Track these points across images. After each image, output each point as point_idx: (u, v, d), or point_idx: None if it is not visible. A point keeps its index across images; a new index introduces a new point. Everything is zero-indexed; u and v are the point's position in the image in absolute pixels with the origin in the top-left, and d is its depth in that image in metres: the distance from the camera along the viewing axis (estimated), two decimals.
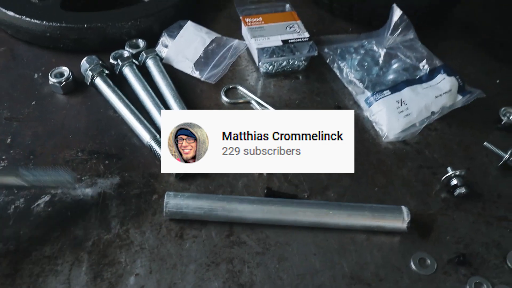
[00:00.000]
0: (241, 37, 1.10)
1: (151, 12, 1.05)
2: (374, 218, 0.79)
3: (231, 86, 1.01)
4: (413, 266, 0.77)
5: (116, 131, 0.91)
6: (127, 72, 0.97)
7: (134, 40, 1.04)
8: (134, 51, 1.02)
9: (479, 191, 0.88)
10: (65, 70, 0.97)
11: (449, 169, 0.86)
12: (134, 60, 0.99)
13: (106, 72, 0.96)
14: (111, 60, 0.99)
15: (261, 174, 0.86)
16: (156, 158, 0.86)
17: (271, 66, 1.02)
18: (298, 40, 1.03)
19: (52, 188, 0.82)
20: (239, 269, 0.75)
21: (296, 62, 1.03)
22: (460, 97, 0.99)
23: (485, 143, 0.93)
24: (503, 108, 1.00)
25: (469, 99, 0.99)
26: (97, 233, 0.77)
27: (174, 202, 0.78)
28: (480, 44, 1.19)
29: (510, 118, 0.99)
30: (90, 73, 0.95)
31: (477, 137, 0.97)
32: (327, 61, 1.07)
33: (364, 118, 0.98)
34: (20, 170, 0.74)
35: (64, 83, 0.95)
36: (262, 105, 0.97)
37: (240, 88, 1.00)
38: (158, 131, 0.89)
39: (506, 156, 0.90)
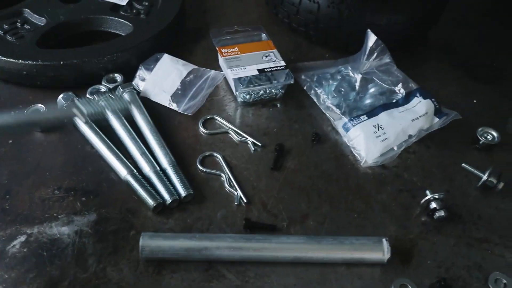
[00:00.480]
0: (218, 68, 1.11)
1: (128, 47, 1.06)
2: (354, 253, 0.79)
3: (208, 117, 1.01)
4: None
5: (93, 167, 0.91)
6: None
7: (111, 75, 1.04)
8: (111, 86, 1.02)
9: (459, 213, 0.88)
10: (41, 107, 0.97)
11: (427, 192, 0.86)
12: (111, 95, 0.99)
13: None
14: (88, 96, 1.00)
15: (239, 204, 0.86)
16: (134, 193, 0.86)
17: (248, 96, 1.03)
18: (274, 68, 1.03)
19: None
20: None
21: (273, 91, 1.04)
22: (436, 119, 1.00)
23: (463, 164, 0.93)
24: (480, 129, 1.00)
25: (445, 121, 0.99)
26: (74, 272, 0.76)
27: (149, 247, 0.77)
28: (457, 65, 1.21)
29: (488, 138, 0.99)
30: None
31: (455, 158, 0.97)
32: (304, 88, 1.07)
33: (343, 144, 0.98)
34: (76, 103, 0.79)
35: None
36: (240, 135, 0.97)
37: (218, 118, 1.00)
38: (135, 166, 0.89)
39: (485, 177, 0.90)
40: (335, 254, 0.78)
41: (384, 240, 0.79)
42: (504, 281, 0.78)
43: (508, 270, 0.80)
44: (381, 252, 0.77)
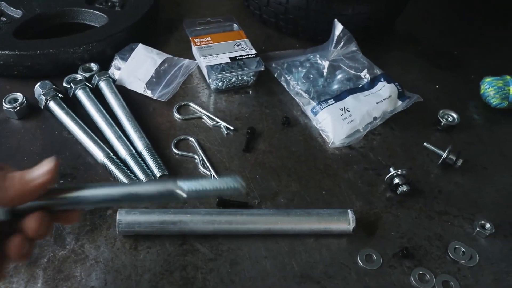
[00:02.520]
0: (192, 57, 1.14)
1: (103, 37, 1.08)
2: (321, 223, 0.83)
3: (183, 103, 1.04)
4: (360, 262, 0.81)
5: (70, 151, 0.94)
6: (80, 94, 1.00)
7: (87, 64, 1.07)
8: (87, 75, 1.05)
9: (420, 188, 0.93)
10: (19, 95, 0.99)
11: (391, 169, 0.91)
12: (87, 83, 1.02)
13: (60, 95, 0.99)
14: (65, 84, 1.02)
15: None
16: (111, 175, 0.89)
17: (221, 82, 1.07)
18: (245, 56, 1.07)
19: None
20: (192, 275, 0.77)
21: (245, 78, 1.08)
22: (400, 102, 1.05)
23: (424, 143, 0.99)
24: (441, 111, 1.06)
25: (408, 103, 1.04)
26: (52, 250, 0.79)
27: (126, 221, 0.80)
28: (419, 53, 1.27)
29: (449, 119, 1.05)
30: (43, 98, 0.98)
31: (418, 139, 1.02)
32: (275, 75, 1.12)
33: (312, 127, 1.03)
34: (178, 184, 0.64)
35: (18, 108, 0.97)
36: (213, 119, 1.01)
37: (192, 104, 1.04)
38: (112, 149, 0.92)
39: (444, 155, 0.95)
40: (303, 225, 0.82)
41: (349, 210, 0.83)
42: (463, 249, 0.83)
43: (466, 239, 0.85)
44: (347, 221, 0.82)
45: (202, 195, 0.63)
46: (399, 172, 0.90)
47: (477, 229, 0.86)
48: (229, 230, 0.81)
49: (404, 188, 0.89)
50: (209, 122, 1.01)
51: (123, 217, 0.80)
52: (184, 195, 0.61)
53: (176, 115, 1.02)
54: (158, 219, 0.80)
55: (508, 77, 1.08)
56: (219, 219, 0.81)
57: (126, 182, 0.86)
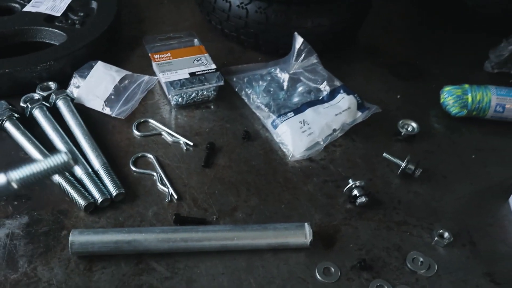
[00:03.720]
0: (153, 74, 1.14)
1: (62, 55, 1.08)
2: (278, 238, 0.82)
3: (142, 120, 1.04)
4: (318, 276, 0.80)
5: None
6: (37, 114, 0.99)
7: (45, 83, 1.06)
8: (45, 94, 1.04)
9: (380, 199, 0.93)
10: None
11: (350, 180, 0.91)
12: (44, 102, 1.01)
13: (16, 116, 0.98)
14: (22, 104, 1.01)
15: (171, 201, 0.89)
16: (66, 195, 0.88)
17: (180, 98, 1.06)
18: (205, 72, 1.07)
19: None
20: None
21: (205, 93, 1.08)
22: (359, 113, 1.05)
23: (384, 154, 0.99)
24: (401, 121, 1.07)
25: (367, 114, 1.05)
26: (4, 273, 0.77)
27: (79, 241, 0.79)
28: (381, 64, 1.28)
29: (408, 129, 1.06)
30: None
31: (379, 150, 1.02)
32: (236, 89, 1.12)
33: (272, 141, 1.03)
34: (8, 176, 0.66)
35: None
36: (172, 135, 1.00)
37: (151, 121, 1.03)
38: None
39: (403, 165, 0.96)
40: (260, 240, 0.82)
41: (306, 224, 0.83)
42: (421, 259, 0.83)
43: (425, 249, 0.85)
44: (303, 235, 0.82)
45: (33, 180, 0.66)
46: (357, 184, 0.90)
47: (436, 238, 0.86)
48: (184, 247, 0.81)
49: (363, 199, 0.89)
50: (169, 138, 1.00)
51: (76, 237, 0.78)
52: (15, 186, 0.65)
53: (136, 132, 1.01)
54: (112, 239, 0.79)
55: (466, 85, 1.10)
56: (174, 237, 0.80)
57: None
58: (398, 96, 1.17)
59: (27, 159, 0.94)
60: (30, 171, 0.66)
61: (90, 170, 0.91)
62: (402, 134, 1.05)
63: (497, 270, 0.83)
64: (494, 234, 0.89)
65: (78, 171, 0.90)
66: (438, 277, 0.82)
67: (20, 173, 0.66)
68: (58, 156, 0.65)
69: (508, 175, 1.00)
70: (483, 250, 0.86)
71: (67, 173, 0.89)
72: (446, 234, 0.87)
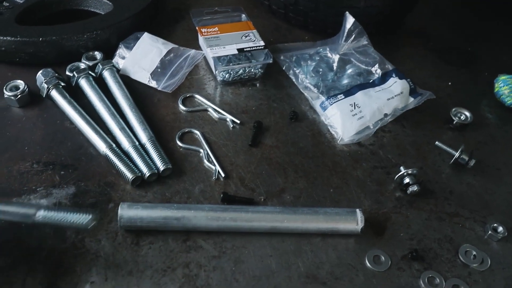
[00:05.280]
0: (198, 48, 1.11)
1: (108, 25, 1.06)
2: (328, 222, 0.81)
3: (188, 95, 1.02)
4: (367, 264, 0.78)
5: (72, 142, 0.91)
6: (83, 83, 0.97)
7: (91, 53, 1.04)
8: (91, 63, 1.02)
9: (431, 188, 0.91)
10: (20, 83, 0.96)
11: (401, 168, 0.89)
12: (90, 72, 0.99)
13: (62, 84, 0.96)
14: (67, 73, 0.99)
15: (218, 179, 0.87)
16: (112, 167, 0.86)
17: (227, 74, 1.04)
18: (253, 48, 1.05)
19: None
20: (195, 273, 0.75)
21: (252, 70, 1.05)
22: (411, 99, 1.02)
23: (436, 142, 0.96)
24: (454, 109, 1.03)
25: (420, 100, 1.02)
26: (52, 243, 0.76)
27: (127, 215, 0.77)
28: (431, 49, 1.24)
29: (461, 118, 1.02)
30: (45, 86, 0.95)
31: (429, 137, 0.99)
32: (283, 68, 1.09)
33: (320, 122, 1.00)
34: (38, 211, 0.72)
35: (19, 96, 0.95)
36: (219, 112, 0.98)
37: (197, 96, 1.01)
38: (114, 141, 0.90)
39: (457, 154, 0.92)
40: (310, 224, 0.80)
41: (357, 210, 0.81)
42: (474, 252, 0.81)
43: (477, 243, 0.83)
44: (355, 221, 0.79)
45: (53, 222, 0.71)
46: (409, 172, 0.88)
47: (489, 232, 0.83)
48: (233, 227, 0.79)
49: (415, 188, 0.87)
50: (215, 115, 0.98)
51: (125, 211, 0.77)
52: (36, 219, 0.70)
53: (181, 107, 0.99)
54: (161, 214, 0.78)
55: None
56: (224, 216, 0.78)
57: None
58: (449, 83, 1.13)
59: (73, 129, 0.93)
60: (56, 216, 0.72)
61: (137, 143, 0.89)
62: (454, 122, 1.01)
63: None
64: None
65: (125, 143, 0.89)
66: (491, 272, 0.79)
67: (48, 213, 0.72)
68: (83, 216, 0.72)
69: None
70: None
71: (114, 145, 0.88)
72: (500, 228, 0.84)
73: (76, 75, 0.98)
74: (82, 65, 1.01)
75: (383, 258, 0.79)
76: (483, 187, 0.92)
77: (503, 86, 1.05)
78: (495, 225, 0.84)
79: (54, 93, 0.95)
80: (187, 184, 0.87)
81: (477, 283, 0.77)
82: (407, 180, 0.88)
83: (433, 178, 0.92)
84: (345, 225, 0.80)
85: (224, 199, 0.84)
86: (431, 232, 0.84)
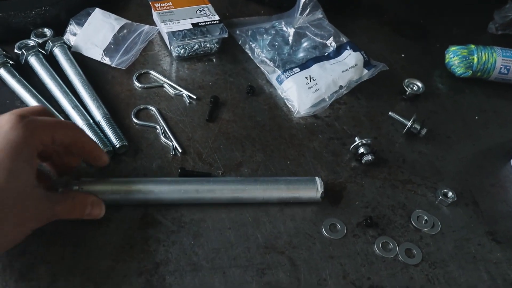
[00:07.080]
0: (152, 23, 1.10)
1: (57, 0, 1.02)
2: (289, 190, 0.81)
3: (143, 71, 1.00)
4: (324, 232, 0.80)
5: None
6: (33, 61, 0.94)
7: (40, 29, 1.01)
8: (40, 40, 0.99)
9: (385, 157, 0.93)
10: None
11: (356, 138, 0.90)
12: (40, 50, 0.96)
13: (11, 62, 0.93)
14: (16, 50, 0.96)
15: (175, 155, 0.87)
16: None
17: (183, 50, 1.03)
18: (208, 22, 1.04)
19: None
20: (154, 248, 0.75)
21: (208, 45, 1.04)
22: (366, 71, 1.04)
23: (390, 113, 0.98)
24: (406, 80, 1.05)
25: (374, 72, 1.03)
26: None
27: (87, 189, 0.77)
28: (385, 23, 1.25)
29: (414, 88, 1.05)
30: None
31: (384, 108, 1.01)
32: (239, 42, 1.09)
33: (277, 96, 1.01)
34: None
35: None
36: (175, 88, 0.97)
37: (153, 72, 1.00)
38: (67, 119, 0.88)
39: (409, 124, 0.95)
40: (272, 193, 0.81)
41: (316, 178, 0.82)
42: (425, 217, 0.84)
43: (429, 208, 0.86)
44: (315, 188, 0.81)
45: None
46: (364, 142, 0.89)
47: (440, 197, 0.86)
48: (195, 198, 0.79)
49: (369, 157, 0.89)
50: (171, 91, 0.97)
51: (85, 186, 0.76)
52: None
53: (136, 84, 0.98)
54: (121, 186, 0.77)
55: (472, 46, 1.08)
56: (185, 188, 0.78)
57: None
58: (403, 55, 1.16)
59: None
60: None
61: (91, 121, 0.88)
62: (407, 93, 1.04)
63: (499, 229, 0.84)
64: (496, 194, 0.90)
65: (79, 121, 0.87)
66: (441, 235, 0.82)
67: None
68: None
69: (510, 137, 1.00)
70: (485, 210, 0.87)
71: None
72: (450, 194, 0.87)
73: (25, 53, 0.95)
74: (31, 43, 0.98)
75: (339, 226, 0.81)
76: (434, 154, 0.95)
77: (453, 56, 1.08)
78: (445, 190, 0.87)
79: (2, 72, 0.92)
80: (144, 161, 0.86)
81: (428, 246, 0.80)
82: (361, 150, 0.90)
83: (386, 148, 0.95)
84: (306, 192, 0.81)
85: (182, 174, 0.84)
86: (385, 199, 0.86)
